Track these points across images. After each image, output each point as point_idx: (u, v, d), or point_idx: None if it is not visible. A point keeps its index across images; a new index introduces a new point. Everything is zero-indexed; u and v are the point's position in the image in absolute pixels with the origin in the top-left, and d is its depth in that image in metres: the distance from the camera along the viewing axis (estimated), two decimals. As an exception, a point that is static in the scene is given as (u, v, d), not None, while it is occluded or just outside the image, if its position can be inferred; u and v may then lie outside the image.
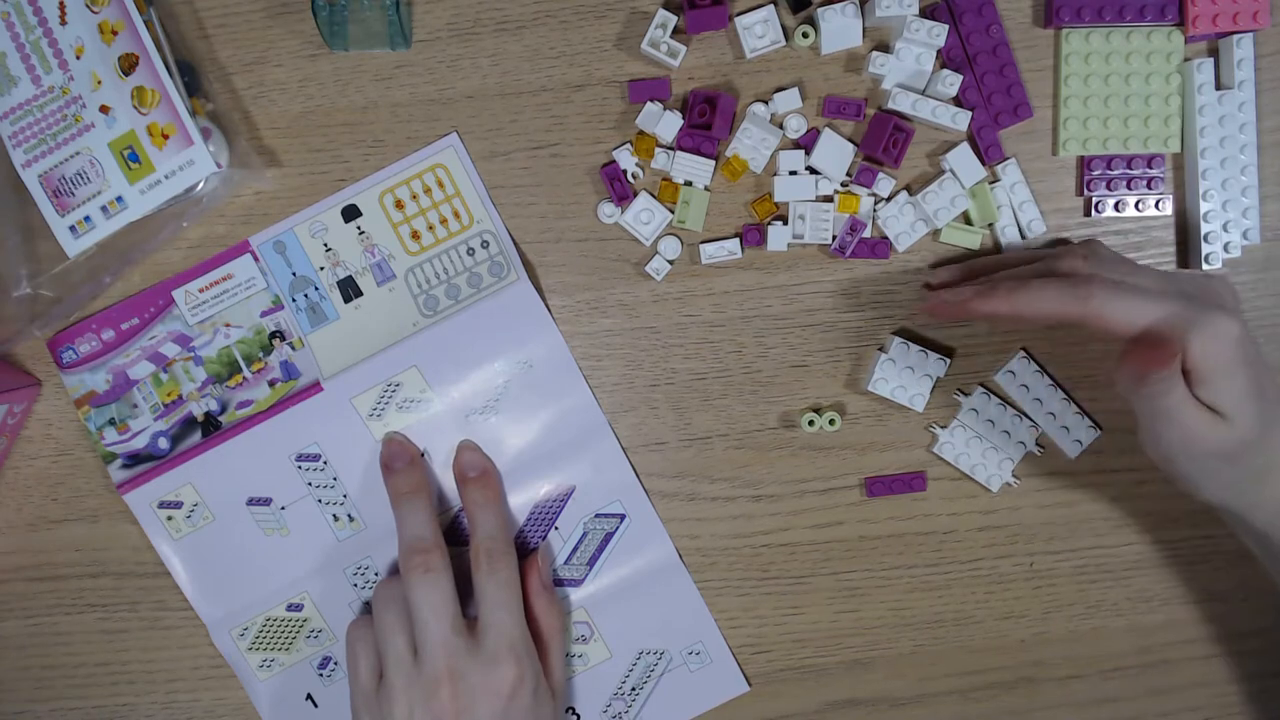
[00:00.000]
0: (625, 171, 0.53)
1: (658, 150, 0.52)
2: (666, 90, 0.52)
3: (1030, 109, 0.53)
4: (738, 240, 0.53)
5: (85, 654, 0.55)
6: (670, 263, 0.53)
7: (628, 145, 0.53)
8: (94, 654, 0.55)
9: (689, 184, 0.53)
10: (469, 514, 0.52)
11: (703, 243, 0.53)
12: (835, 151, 0.52)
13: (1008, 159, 0.53)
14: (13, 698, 0.55)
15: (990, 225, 0.54)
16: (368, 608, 0.54)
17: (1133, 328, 0.44)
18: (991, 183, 0.53)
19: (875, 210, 0.53)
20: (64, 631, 0.55)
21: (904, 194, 0.53)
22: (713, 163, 0.52)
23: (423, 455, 0.53)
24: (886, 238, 0.53)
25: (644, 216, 0.53)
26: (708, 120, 0.51)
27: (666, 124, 0.51)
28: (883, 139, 0.51)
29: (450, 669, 0.47)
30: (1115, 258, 0.48)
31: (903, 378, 0.53)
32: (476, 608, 0.49)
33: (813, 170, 0.53)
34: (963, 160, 0.52)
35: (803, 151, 0.52)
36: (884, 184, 0.53)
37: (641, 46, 0.51)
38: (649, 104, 0.52)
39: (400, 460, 0.52)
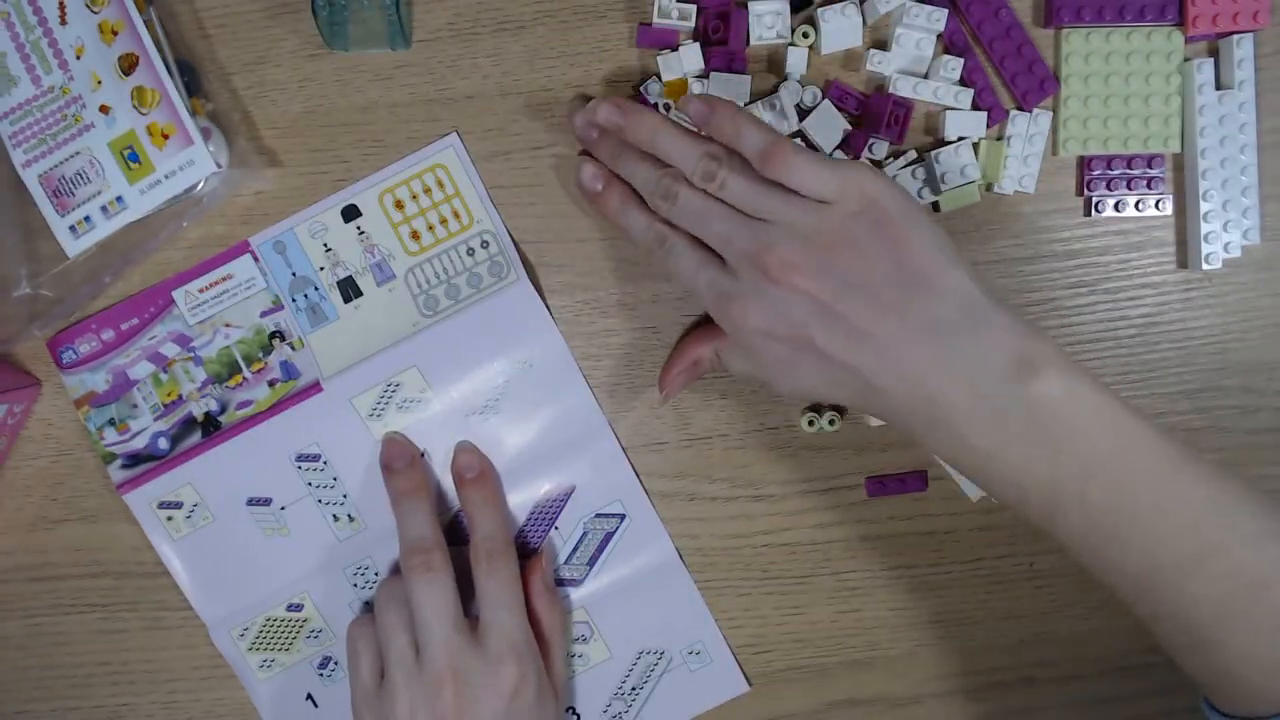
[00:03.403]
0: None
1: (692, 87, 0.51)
2: (675, 39, 0.51)
3: (1056, 82, 0.53)
4: None
5: (85, 654, 0.55)
6: (670, 263, 0.53)
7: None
8: (94, 654, 0.55)
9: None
10: (468, 515, 0.52)
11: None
12: (829, 122, 0.52)
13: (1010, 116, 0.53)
14: (12, 698, 0.55)
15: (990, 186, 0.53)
16: (368, 608, 0.54)
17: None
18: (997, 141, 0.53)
19: None
20: (64, 632, 0.55)
21: (912, 152, 0.52)
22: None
23: (422, 455, 0.53)
24: None
25: (644, 216, 0.53)
26: (723, 36, 0.51)
27: (689, 54, 0.51)
28: (884, 115, 0.51)
29: (453, 669, 0.47)
30: (698, 200, 0.46)
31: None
32: (478, 608, 0.49)
33: (805, 139, 0.52)
34: (963, 120, 0.52)
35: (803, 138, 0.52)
36: (879, 148, 0.52)
37: (653, 19, 0.51)
38: (663, 52, 0.51)
39: (400, 460, 0.52)
